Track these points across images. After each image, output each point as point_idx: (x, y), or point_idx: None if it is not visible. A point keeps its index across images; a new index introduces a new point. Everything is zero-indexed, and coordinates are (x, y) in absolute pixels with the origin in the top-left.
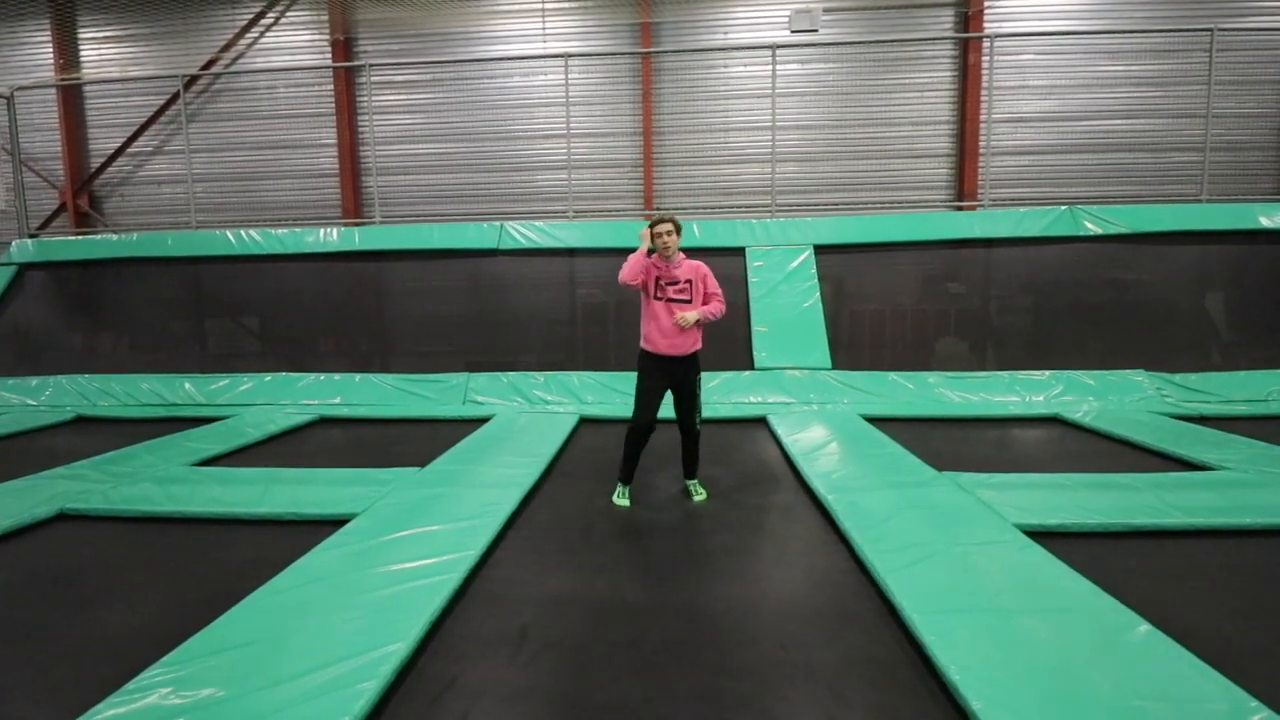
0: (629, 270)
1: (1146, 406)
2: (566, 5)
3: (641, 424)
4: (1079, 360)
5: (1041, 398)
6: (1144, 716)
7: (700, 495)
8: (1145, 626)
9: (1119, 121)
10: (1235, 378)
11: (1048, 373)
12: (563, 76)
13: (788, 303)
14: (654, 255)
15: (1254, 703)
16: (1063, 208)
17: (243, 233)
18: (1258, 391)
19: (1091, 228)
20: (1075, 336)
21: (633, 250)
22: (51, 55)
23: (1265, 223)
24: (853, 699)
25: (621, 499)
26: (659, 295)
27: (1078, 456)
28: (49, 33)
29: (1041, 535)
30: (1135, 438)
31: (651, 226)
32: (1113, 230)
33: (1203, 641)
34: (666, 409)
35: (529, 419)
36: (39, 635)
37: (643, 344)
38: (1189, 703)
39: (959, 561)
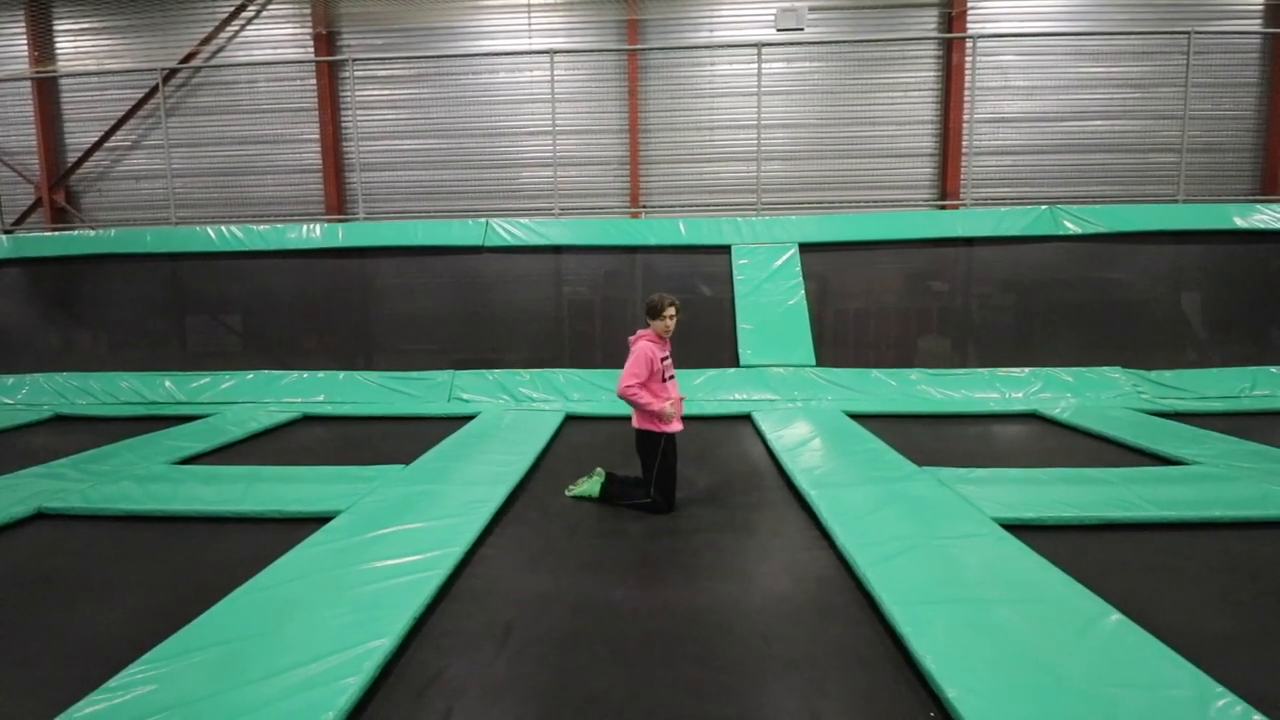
0: (637, 380)
1: (1123, 403)
2: (552, 1)
3: (670, 506)
4: (1058, 357)
5: (1021, 394)
6: (1114, 703)
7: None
8: (1117, 616)
9: (1099, 122)
10: (1209, 375)
11: (1027, 370)
12: (548, 73)
13: (772, 300)
14: (660, 339)
15: (1219, 689)
16: (1043, 207)
17: (224, 229)
18: (1230, 388)
19: (1071, 227)
20: (1054, 334)
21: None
22: (26, 47)
23: (1240, 223)
24: (832, 689)
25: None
26: (665, 377)
27: (1055, 452)
28: (23, 24)
29: (1018, 528)
30: (1111, 433)
31: (659, 313)
32: (1091, 230)
33: (1172, 631)
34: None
35: (514, 416)
36: (18, 634)
37: (659, 428)
38: (1158, 690)
39: (938, 554)
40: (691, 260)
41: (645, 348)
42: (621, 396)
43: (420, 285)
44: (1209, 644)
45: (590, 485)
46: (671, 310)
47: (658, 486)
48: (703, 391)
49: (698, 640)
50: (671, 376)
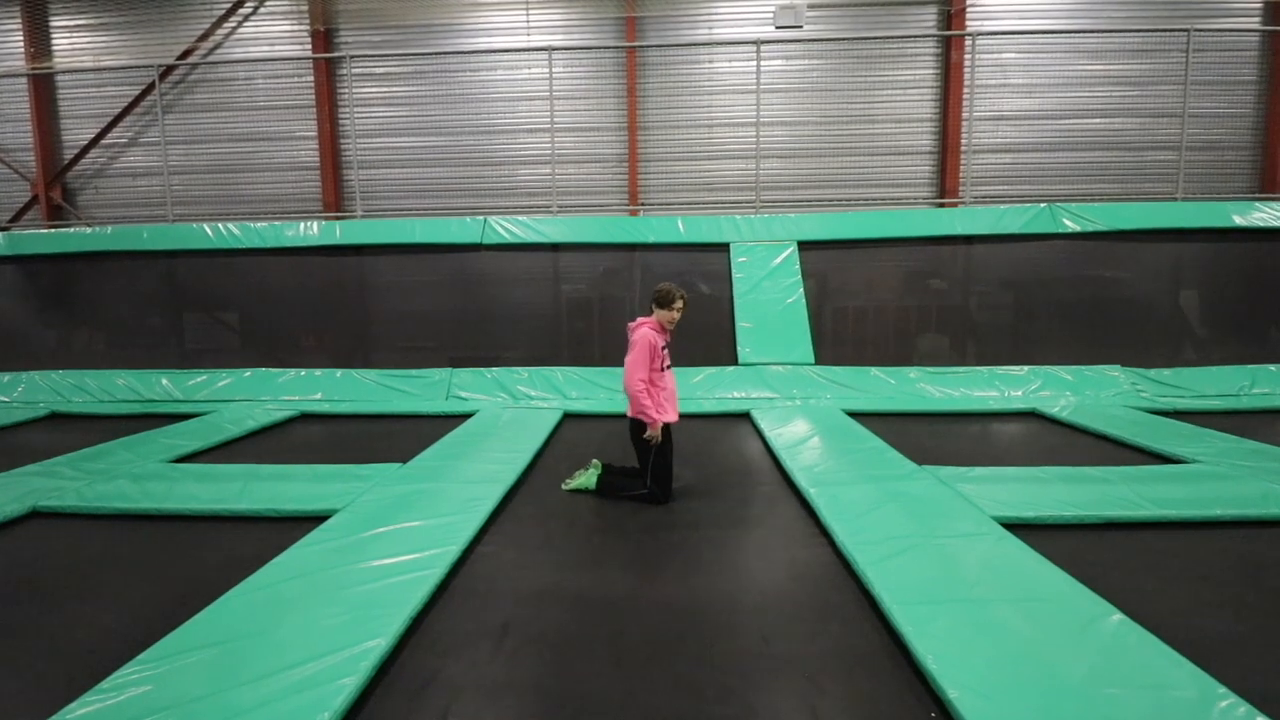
0: (641, 374)
1: (1122, 401)
2: None
3: (667, 496)
4: (1057, 356)
5: (1020, 393)
6: (1116, 703)
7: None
8: (1118, 616)
9: (1098, 120)
10: (1208, 373)
11: (1026, 368)
12: (546, 70)
13: (771, 299)
14: (662, 328)
15: (1221, 689)
16: (1042, 205)
17: (221, 226)
18: (1230, 386)
19: (1070, 225)
20: (1053, 332)
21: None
22: (23, 44)
23: (1239, 221)
24: (832, 689)
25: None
26: (665, 366)
27: (1054, 450)
28: (19, 20)
29: (1018, 527)
30: (1111, 432)
31: (669, 303)
32: (1091, 228)
33: (1173, 630)
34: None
35: (512, 414)
36: (11, 634)
37: (658, 415)
38: (1159, 690)
39: (937, 553)
40: (690, 258)
41: (648, 335)
42: (627, 391)
43: (418, 283)
44: (1211, 644)
45: (586, 478)
46: (680, 303)
47: (654, 477)
48: (701, 389)
49: (696, 639)
50: (669, 366)
